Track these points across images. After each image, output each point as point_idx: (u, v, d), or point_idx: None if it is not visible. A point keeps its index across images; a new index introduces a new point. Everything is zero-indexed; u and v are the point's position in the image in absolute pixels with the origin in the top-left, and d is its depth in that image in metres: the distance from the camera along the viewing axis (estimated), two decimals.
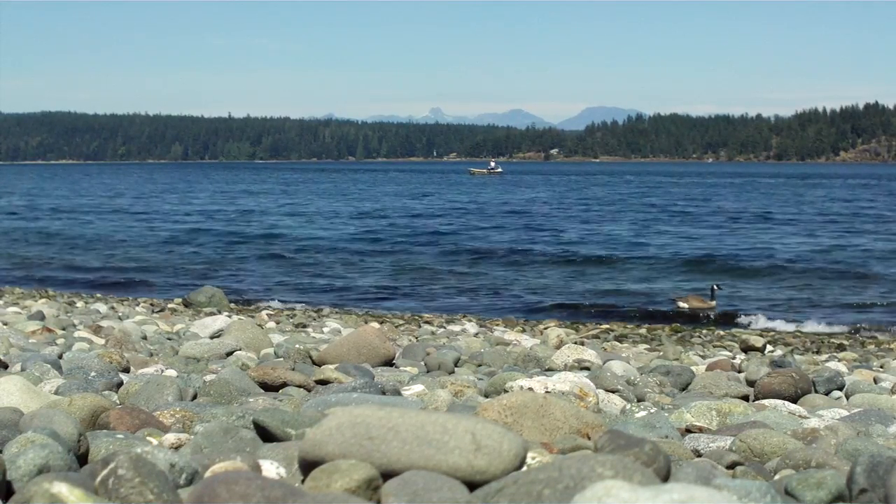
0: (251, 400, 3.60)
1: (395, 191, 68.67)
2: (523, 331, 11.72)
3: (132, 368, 4.73)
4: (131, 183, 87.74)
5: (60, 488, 1.74)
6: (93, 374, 4.08)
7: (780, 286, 18.67)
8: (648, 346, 10.32)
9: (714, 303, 15.67)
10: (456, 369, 5.54)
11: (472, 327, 11.79)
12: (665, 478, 2.08)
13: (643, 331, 12.88)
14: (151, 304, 14.32)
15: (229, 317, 9.57)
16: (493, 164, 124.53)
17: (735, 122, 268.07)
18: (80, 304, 13.40)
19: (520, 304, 16.49)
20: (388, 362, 5.52)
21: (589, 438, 2.75)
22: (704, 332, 12.89)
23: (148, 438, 2.67)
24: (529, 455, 2.23)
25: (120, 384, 3.99)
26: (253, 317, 11.28)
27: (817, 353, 10.64)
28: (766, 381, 4.47)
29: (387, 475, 1.99)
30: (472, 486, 1.97)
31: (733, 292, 17.49)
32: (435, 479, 1.91)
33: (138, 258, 23.77)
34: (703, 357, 8.51)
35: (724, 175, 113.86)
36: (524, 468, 2.07)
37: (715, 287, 15.99)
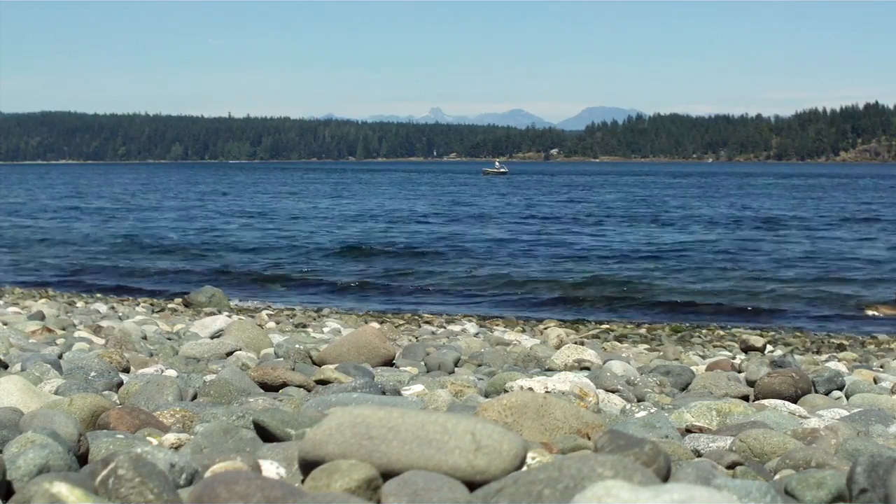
0: (251, 400, 3.60)
1: (399, 192, 68.56)
2: (523, 331, 11.72)
3: (132, 368, 4.73)
4: (135, 184, 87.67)
5: (60, 488, 1.74)
6: (93, 374, 4.08)
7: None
8: (648, 346, 10.32)
9: None
10: (456, 369, 5.54)
11: (472, 327, 11.78)
12: (665, 478, 2.08)
13: (643, 331, 12.88)
14: (151, 304, 14.31)
15: (229, 317, 9.56)
16: (497, 164, 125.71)
17: (735, 122, 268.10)
18: (80, 304, 13.40)
19: (520, 303, 16.48)
20: (388, 362, 5.51)
21: (589, 438, 2.75)
22: (704, 331, 12.89)
23: (148, 438, 2.67)
24: (529, 455, 2.23)
25: (120, 384, 3.99)
26: (253, 317, 11.28)
27: (817, 353, 10.63)
28: (766, 381, 4.47)
29: (387, 475, 1.99)
30: (472, 486, 1.97)
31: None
32: (435, 479, 1.91)
33: (139, 258, 23.77)
34: (703, 357, 8.50)
35: (756, 176, 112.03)
36: (524, 468, 2.06)
37: None
